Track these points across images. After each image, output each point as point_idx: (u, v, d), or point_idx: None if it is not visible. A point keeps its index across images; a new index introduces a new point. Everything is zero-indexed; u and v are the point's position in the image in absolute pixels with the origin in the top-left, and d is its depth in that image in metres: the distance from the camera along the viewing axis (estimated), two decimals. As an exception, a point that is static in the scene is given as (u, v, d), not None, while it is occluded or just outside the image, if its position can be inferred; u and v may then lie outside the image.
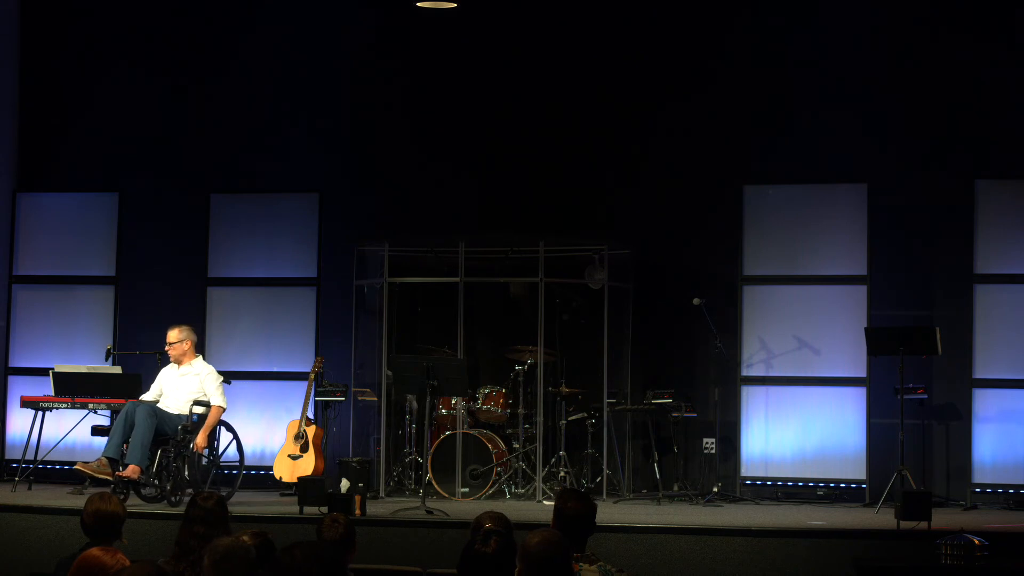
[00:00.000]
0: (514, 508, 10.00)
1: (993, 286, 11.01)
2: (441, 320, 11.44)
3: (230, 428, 10.40)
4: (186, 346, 10.23)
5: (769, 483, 11.24)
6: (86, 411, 10.85)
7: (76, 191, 12.44)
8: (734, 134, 11.82)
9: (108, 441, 9.73)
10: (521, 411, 11.24)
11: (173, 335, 10.23)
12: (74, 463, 9.95)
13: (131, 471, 9.53)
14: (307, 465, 10.79)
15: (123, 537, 5.90)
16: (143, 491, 9.79)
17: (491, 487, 10.80)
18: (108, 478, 9.49)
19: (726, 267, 11.49)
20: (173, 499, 9.65)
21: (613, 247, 11.46)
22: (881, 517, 9.72)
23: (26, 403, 11.03)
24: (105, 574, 4.74)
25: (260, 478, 11.49)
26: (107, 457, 9.60)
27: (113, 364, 11.35)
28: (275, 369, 11.83)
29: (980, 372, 10.95)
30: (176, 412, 10.00)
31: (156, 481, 9.79)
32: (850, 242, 11.22)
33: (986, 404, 10.95)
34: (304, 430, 10.95)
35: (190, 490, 9.60)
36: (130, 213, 12.18)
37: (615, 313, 11.41)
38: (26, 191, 12.41)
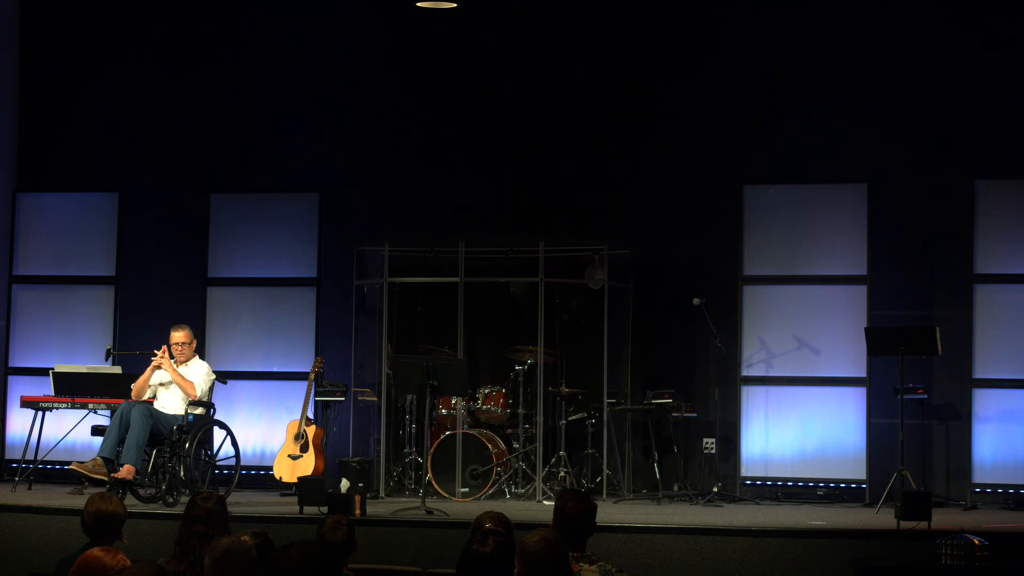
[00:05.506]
0: (514, 508, 10.00)
1: (993, 286, 11.00)
2: (441, 320, 11.43)
3: (224, 426, 10.37)
4: (192, 347, 10.24)
5: (769, 483, 11.23)
6: (86, 411, 10.87)
7: (76, 191, 12.43)
8: (734, 134, 11.82)
9: (103, 441, 9.70)
10: (521, 411, 11.23)
11: (182, 336, 10.19)
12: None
13: (126, 471, 9.51)
14: (307, 465, 10.78)
15: (123, 537, 5.89)
16: (139, 491, 9.78)
17: (491, 487, 10.80)
18: (103, 478, 9.46)
19: (726, 267, 11.48)
20: (169, 499, 9.63)
21: (613, 247, 11.45)
22: (881, 517, 9.72)
23: (26, 403, 11.05)
24: (106, 574, 4.73)
25: (260, 478, 11.50)
26: (102, 457, 9.57)
27: (113, 364, 11.35)
28: (275, 369, 11.82)
29: (980, 372, 10.94)
30: (172, 412, 9.98)
31: (152, 481, 9.78)
32: (850, 242, 11.21)
33: (986, 404, 10.94)
34: (304, 430, 10.94)
35: (186, 490, 9.61)
36: (130, 213, 12.17)
37: (615, 313, 11.41)
38: (26, 191, 12.40)
